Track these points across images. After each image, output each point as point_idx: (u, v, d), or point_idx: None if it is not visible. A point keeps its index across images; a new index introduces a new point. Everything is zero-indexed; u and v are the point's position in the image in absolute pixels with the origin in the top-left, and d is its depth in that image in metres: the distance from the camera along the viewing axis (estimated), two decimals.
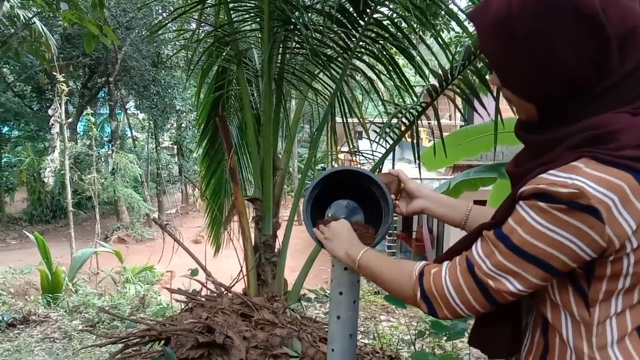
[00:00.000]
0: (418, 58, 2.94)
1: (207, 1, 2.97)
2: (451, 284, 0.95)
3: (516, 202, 0.89)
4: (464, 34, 3.56)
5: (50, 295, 8.80)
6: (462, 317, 0.96)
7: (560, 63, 0.85)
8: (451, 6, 2.87)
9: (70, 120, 16.29)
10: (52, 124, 13.43)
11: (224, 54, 3.34)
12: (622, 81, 0.86)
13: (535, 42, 0.85)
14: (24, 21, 5.92)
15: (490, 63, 0.97)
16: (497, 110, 2.63)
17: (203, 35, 3.49)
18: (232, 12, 3.10)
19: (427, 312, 1.01)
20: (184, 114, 21.49)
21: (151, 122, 21.68)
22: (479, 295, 0.93)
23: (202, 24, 3.59)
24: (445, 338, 2.87)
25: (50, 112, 13.44)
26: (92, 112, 16.61)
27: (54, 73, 12.53)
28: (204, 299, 2.92)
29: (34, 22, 5.95)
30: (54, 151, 13.92)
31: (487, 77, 2.79)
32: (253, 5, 3.14)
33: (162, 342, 2.67)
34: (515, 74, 0.91)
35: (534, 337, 1.00)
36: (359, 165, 3.52)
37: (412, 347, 3.99)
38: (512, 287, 0.89)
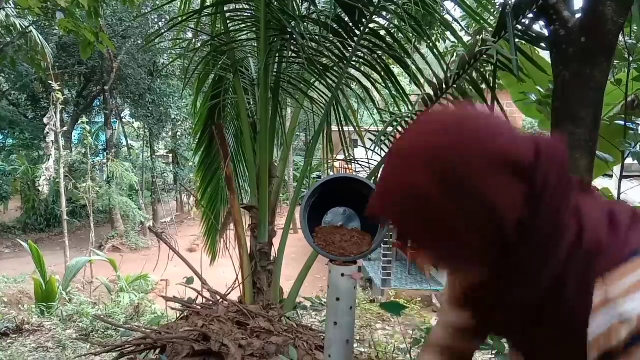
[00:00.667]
0: (413, 67, 2.97)
1: (204, 11, 2.99)
2: None
3: None
4: (459, 44, 3.60)
5: (44, 304, 8.73)
6: None
7: (499, 213, 0.76)
8: (446, 16, 2.91)
9: (65, 128, 16.25)
10: (47, 133, 13.41)
11: (220, 63, 3.37)
12: (549, 204, 0.79)
13: (470, 207, 0.76)
14: (20, 30, 5.93)
15: (428, 252, 0.86)
16: None
17: (200, 44, 3.52)
18: (228, 21, 3.12)
19: None
20: (180, 122, 21.46)
21: (146, 130, 21.64)
22: None
23: (199, 34, 3.61)
24: None
25: (45, 120, 13.41)
26: (88, 120, 16.53)
27: (50, 81, 12.52)
28: (199, 307, 2.92)
29: (31, 31, 5.96)
30: (49, 159, 13.89)
31: (482, 86, 2.82)
32: (250, 15, 3.17)
33: (158, 350, 2.66)
34: (459, 247, 0.80)
35: None
36: (354, 174, 3.54)
37: (408, 355, 3.99)
38: None
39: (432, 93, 3.02)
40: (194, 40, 3.60)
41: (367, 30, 3.00)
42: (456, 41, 3.63)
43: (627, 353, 0.72)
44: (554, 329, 0.83)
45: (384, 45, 3.08)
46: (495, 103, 2.58)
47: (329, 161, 3.72)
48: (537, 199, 0.78)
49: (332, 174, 3.62)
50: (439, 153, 0.76)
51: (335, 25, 2.95)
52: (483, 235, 0.78)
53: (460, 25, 3.04)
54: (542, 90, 2.77)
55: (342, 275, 1.18)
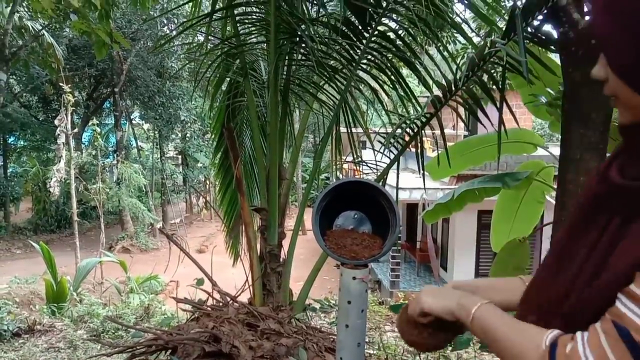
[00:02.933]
0: (422, 69, 2.97)
1: (215, 14, 3.01)
2: (594, 358, 0.74)
3: None
4: (469, 46, 3.60)
5: (55, 304, 8.81)
6: None
7: None
8: (456, 18, 2.90)
9: (75, 130, 16.39)
10: (58, 134, 13.53)
11: (232, 66, 3.39)
12: None
13: None
14: (32, 33, 6.00)
15: (600, 45, 0.81)
16: (500, 121, 2.65)
17: (210, 47, 3.54)
18: (238, 24, 3.14)
19: None
20: (189, 124, 21.61)
21: (156, 132, 21.80)
22: None
23: (209, 37, 3.64)
24: (450, 348, 2.87)
25: (56, 122, 13.54)
26: (98, 122, 16.70)
27: (60, 84, 12.64)
28: (210, 309, 2.94)
29: (43, 34, 6.04)
30: (59, 161, 14.00)
31: (493, 86, 2.81)
32: (260, 18, 3.19)
33: (169, 351, 2.69)
34: (632, 55, 0.75)
35: None
36: (362, 175, 3.54)
37: (418, 358, 3.99)
38: None
39: (441, 95, 3.02)
40: (204, 44, 3.63)
41: (375, 32, 3.01)
42: (466, 43, 3.63)
43: None
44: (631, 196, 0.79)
45: (393, 47, 3.08)
46: (504, 105, 2.57)
47: (338, 163, 3.73)
48: None
49: (341, 177, 3.63)
50: None
51: (344, 28, 2.95)
52: None
53: (470, 28, 3.04)
54: (552, 92, 2.76)
55: (354, 278, 1.19)
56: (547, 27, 2.34)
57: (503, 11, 3.30)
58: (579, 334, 0.78)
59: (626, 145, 0.86)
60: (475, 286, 1.10)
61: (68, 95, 12.79)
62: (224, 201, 4.61)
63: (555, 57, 2.43)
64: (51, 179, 14.56)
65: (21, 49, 4.96)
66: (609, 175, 0.83)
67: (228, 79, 3.72)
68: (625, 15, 0.75)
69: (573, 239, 0.89)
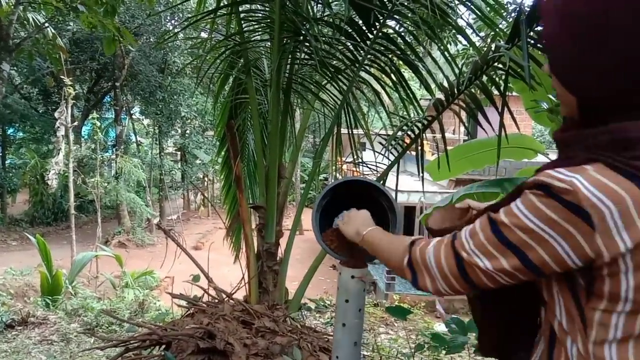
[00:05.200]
0: (424, 71, 2.98)
1: (219, 10, 3.00)
2: (433, 255, 0.99)
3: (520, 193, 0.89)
4: (471, 48, 3.60)
5: (50, 297, 8.78)
6: (441, 293, 1.00)
7: (623, 58, 0.82)
8: (459, 21, 2.90)
9: (75, 123, 16.35)
10: (58, 127, 13.48)
11: (237, 63, 3.38)
12: None
13: (600, 30, 0.82)
14: (33, 24, 5.98)
15: (546, 45, 0.94)
16: (501, 125, 2.65)
17: (214, 44, 3.53)
18: (243, 22, 3.14)
19: (411, 281, 1.06)
20: (189, 120, 21.56)
21: (156, 127, 21.76)
22: (454, 267, 0.95)
23: (213, 33, 3.63)
24: (444, 352, 2.86)
25: (56, 114, 13.50)
26: (98, 116, 16.65)
27: (62, 76, 12.61)
28: (205, 305, 2.93)
29: (47, 26, 6.02)
30: (58, 154, 13.96)
31: (494, 92, 2.81)
32: (264, 15, 3.18)
33: (163, 346, 2.68)
34: (566, 58, 0.89)
35: (543, 349, 0.99)
36: (362, 176, 3.54)
37: None
38: (482, 264, 0.91)
39: (442, 98, 3.02)
40: (208, 41, 3.62)
41: (379, 34, 3.01)
42: (467, 44, 3.64)
43: (539, 199, 0.84)
44: None
45: (396, 49, 3.08)
46: (506, 110, 2.57)
47: (337, 163, 3.73)
48: None
49: (339, 177, 3.63)
50: None
51: (348, 28, 2.95)
52: (611, 65, 0.84)
53: (473, 30, 3.04)
54: (553, 98, 2.76)
55: (352, 277, 1.19)
56: None
57: (505, 13, 3.30)
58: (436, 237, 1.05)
59: (553, 138, 1.01)
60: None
61: (69, 88, 12.76)
62: (227, 198, 4.62)
63: None
64: (49, 171, 14.52)
65: (25, 40, 4.94)
66: None
67: (234, 77, 3.71)
68: (572, 17, 0.86)
69: None
